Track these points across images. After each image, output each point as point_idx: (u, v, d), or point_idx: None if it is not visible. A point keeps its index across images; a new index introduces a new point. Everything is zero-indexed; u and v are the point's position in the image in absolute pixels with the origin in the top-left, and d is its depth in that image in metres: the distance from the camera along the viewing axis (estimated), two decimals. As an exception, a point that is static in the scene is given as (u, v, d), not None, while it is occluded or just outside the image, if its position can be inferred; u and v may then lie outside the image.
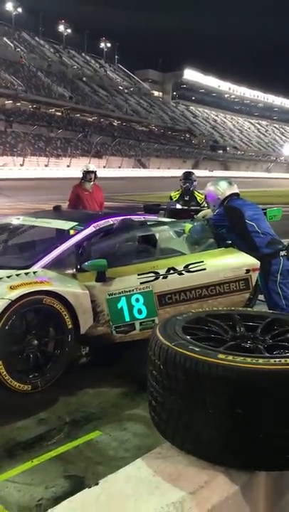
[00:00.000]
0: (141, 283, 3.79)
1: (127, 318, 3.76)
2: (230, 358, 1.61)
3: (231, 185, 4.50)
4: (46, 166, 42.68)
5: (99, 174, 7.37)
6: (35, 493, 2.44)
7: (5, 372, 3.11)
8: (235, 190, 4.47)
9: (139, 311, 3.78)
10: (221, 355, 1.62)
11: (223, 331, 1.98)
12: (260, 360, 1.61)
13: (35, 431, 3.05)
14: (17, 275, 3.47)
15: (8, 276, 3.42)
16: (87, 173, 7.09)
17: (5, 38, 66.58)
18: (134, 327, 3.78)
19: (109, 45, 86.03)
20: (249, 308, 3.58)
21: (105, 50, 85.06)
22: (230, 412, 1.58)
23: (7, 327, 3.12)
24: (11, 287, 3.24)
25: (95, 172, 7.18)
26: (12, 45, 66.88)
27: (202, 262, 4.00)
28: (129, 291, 3.75)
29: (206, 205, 6.12)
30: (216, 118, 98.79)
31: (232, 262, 4.06)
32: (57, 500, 2.31)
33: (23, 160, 41.11)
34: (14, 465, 2.69)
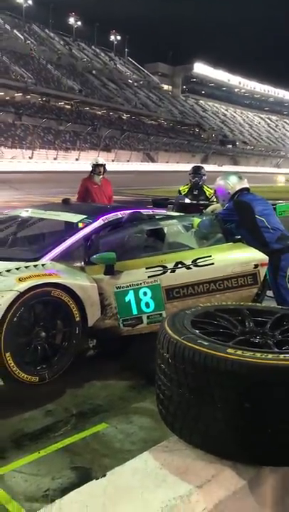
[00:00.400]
0: (149, 277, 3.79)
1: (135, 312, 3.76)
2: (239, 352, 1.61)
3: (241, 180, 4.47)
4: (55, 159, 42.71)
5: (107, 168, 7.37)
6: (41, 484, 2.46)
7: (13, 364, 3.12)
8: (245, 184, 4.44)
9: (147, 305, 3.78)
10: (230, 350, 1.62)
11: (232, 326, 1.98)
12: (270, 356, 1.60)
13: (42, 422, 3.07)
14: (26, 267, 3.47)
15: (17, 268, 3.43)
16: (97, 167, 7.10)
17: (15, 31, 66.50)
18: (141, 320, 3.78)
19: (119, 37, 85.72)
20: (258, 304, 3.56)
21: (115, 43, 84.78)
22: (239, 406, 1.57)
23: (15, 319, 3.13)
24: (19, 279, 3.25)
25: (104, 165, 7.17)
26: (22, 37, 66.77)
27: (210, 256, 3.99)
28: (137, 284, 3.75)
29: (215, 199, 6.09)
30: (225, 112, 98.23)
31: (240, 256, 4.04)
32: (63, 491, 2.32)
33: (32, 153, 41.17)
34: (21, 456, 2.70)
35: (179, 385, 1.69)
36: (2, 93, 55.60)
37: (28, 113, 50.76)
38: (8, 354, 3.09)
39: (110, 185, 7.29)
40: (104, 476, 1.52)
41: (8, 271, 3.38)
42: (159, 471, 1.54)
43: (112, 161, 43.99)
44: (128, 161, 50.69)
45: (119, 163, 46.09)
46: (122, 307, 3.73)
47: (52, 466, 2.61)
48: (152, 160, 57.75)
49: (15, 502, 2.32)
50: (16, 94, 56.76)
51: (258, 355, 1.60)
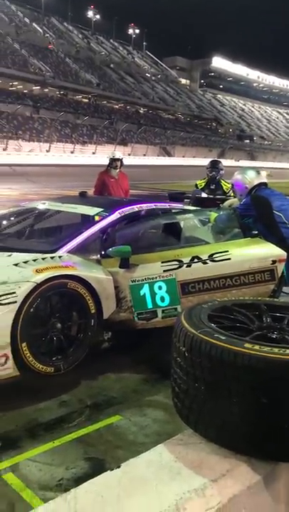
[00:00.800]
0: (164, 271, 3.78)
1: (150, 306, 3.76)
2: (256, 347, 1.59)
3: (259, 175, 4.44)
4: (72, 152, 42.80)
5: (124, 162, 7.38)
6: (55, 473, 2.48)
7: (29, 354, 3.14)
8: (263, 179, 4.41)
9: (162, 299, 3.77)
10: (247, 345, 1.61)
11: (249, 321, 1.96)
12: (287, 351, 1.59)
13: (56, 413, 3.10)
14: (43, 259, 3.49)
15: (34, 260, 3.45)
16: (114, 161, 7.12)
17: (34, 24, 66.59)
18: (156, 314, 3.78)
19: (137, 31, 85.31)
20: (276, 299, 3.53)
21: (133, 36, 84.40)
22: (255, 401, 1.56)
23: (32, 309, 3.16)
24: (36, 270, 3.27)
25: (121, 159, 7.19)
26: (41, 30, 66.87)
27: (227, 251, 3.96)
28: (152, 278, 3.75)
29: (232, 194, 6.05)
30: (243, 107, 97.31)
31: (258, 252, 4.01)
32: (77, 480, 2.34)
33: (50, 146, 41.28)
34: (36, 445, 2.73)
35: (195, 378, 1.68)
36: (20, 86, 55.86)
37: (45, 106, 50.90)
38: (24, 344, 3.11)
39: (127, 179, 7.30)
40: (119, 467, 1.53)
41: (25, 262, 3.40)
42: (174, 463, 1.54)
43: (129, 155, 43.89)
44: (144, 155, 50.57)
45: (136, 157, 45.98)
46: (137, 300, 3.73)
47: (66, 456, 2.63)
48: (169, 154, 57.53)
49: (29, 490, 2.35)
50: (34, 88, 56.95)
51: (276, 350, 1.59)
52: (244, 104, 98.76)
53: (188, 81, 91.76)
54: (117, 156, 7.22)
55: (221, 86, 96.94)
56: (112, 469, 1.53)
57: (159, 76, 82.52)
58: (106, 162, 7.26)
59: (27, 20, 66.30)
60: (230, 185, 6.07)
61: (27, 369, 3.18)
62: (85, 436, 2.84)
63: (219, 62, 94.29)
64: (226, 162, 7.96)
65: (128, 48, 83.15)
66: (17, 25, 63.56)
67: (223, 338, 1.66)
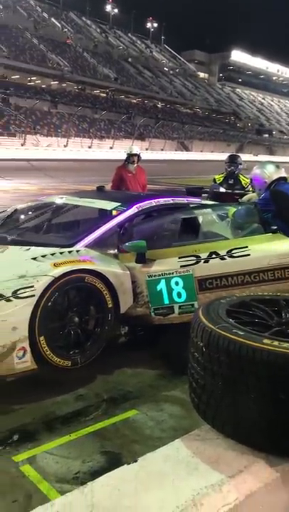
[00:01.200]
0: (181, 266, 3.76)
1: (166, 301, 3.74)
2: (275, 343, 1.58)
3: (279, 169, 4.38)
4: (89, 147, 42.88)
5: (141, 157, 7.36)
6: (72, 466, 2.50)
7: (46, 348, 3.16)
8: (282, 174, 4.35)
9: (179, 295, 3.75)
10: (266, 340, 1.59)
11: (268, 316, 1.94)
12: (307, 347, 1.57)
13: (73, 406, 3.12)
14: (60, 253, 3.51)
15: (52, 254, 3.46)
16: (131, 156, 7.11)
17: (53, 19, 66.74)
18: (172, 310, 3.76)
19: (156, 25, 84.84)
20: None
21: (152, 30, 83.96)
22: (273, 397, 1.55)
23: (50, 303, 3.17)
24: (54, 264, 3.29)
25: (138, 155, 7.18)
26: (59, 25, 66.98)
27: (246, 247, 3.92)
28: (169, 273, 3.73)
29: (250, 189, 5.99)
30: (262, 101, 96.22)
31: (278, 248, 3.95)
32: (93, 474, 2.35)
33: (67, 141, 41.40)
34: (53, 438, 2.76)
35: (212, 374, 1.67)
36: (39, 81, 56.14)
37: (63, 101, 51.03)
38: (42, 338, 3.14)
39: (145, 174, 7.28)
40: (136, 461, 1.53)
41: (43, 256, 3.42)
42: (191, 459, 1.54)
43: (146, 149, 43.80)
44: (162, 149, 50.42)
45: (153, 151, 45.88)
46: (154, 296, 3.72)
47: (82, 449, 2.65)
48: (186, 149, 57.25)
49: (46, 482, 2.37)
50: (52, 83, 57.18)
51: (295, 346, 1.57)
52: (263, 98, 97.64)
53: (206, 75, 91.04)
54: (134, 151, 7.21)
55: (240, 80, 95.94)
56: (128, 463, 1.53)
57: (177, 70, 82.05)
58: (123, 157, 7.25)
59: (45, 15, 66.48)
60: (248, 180, 6.01)
61: (44, 362, 3.20)
62: (101, 430, 2.85)
63: (238, 56, 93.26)
64: (244, 156, 7.88)
65: (146, 42, 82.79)
66: (35, 20, 63.77)
67: (242, 333, 1.65)
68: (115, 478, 1.45)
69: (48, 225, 4.70)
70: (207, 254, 3.83)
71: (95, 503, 1.34)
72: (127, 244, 3.75)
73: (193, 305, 3.73)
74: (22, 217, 4.83)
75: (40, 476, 2.41)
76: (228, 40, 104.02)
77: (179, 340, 3.78)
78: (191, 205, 4.78)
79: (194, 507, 1.32)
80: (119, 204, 4.28)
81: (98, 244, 3.83)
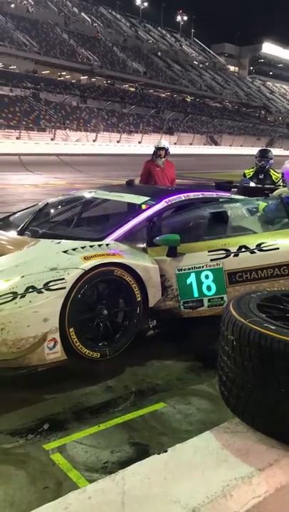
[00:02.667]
0: (211, 260, 3.75)
1: (196, 294, 3.75)
2: (307, 338, 1.56)
3: (311, 164, 4.31)
4: (118, 142, 42.99)
5: (169, 150, 7.33)
6: (101, 456, 2.53)
7: (76, 339, 3.21)
8: (314, 168, 4.28)
9: (208, 288, 3.75)
10: (297, 335, 1.58)
11: (300, 311, 1.93)
12: None
13: (102, 397, 3.16)
14: (91, 246, 3.55)
15: (83, 247, 3.51)
16: (158, 149, 7.11)
17: (83, 13, 67.04)
18: (202, 303, 3.77)
19: (185, 18, 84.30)
20: None
21: (181, 23, 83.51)
22: (305, 392, 1.54)
23: (79, 296, 3.22)
24: (84, 258, 3.33)
25: (166, 148, 7.16)
26: (89, 20, 67.23)
27: (275, 241, 3.89)
28: (199, 267, 3.73)
29: (281, 183, 5.91)
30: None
31: None
32: (122, 464, 2.38)
33: (96, 136, 41.60)
34: (82, 428, 2.80)
35: (243, 367, 1.67)
36: (68, 76, 56.59)
37: (93, 96, 51.29)
38: (71, 329, 3.19)
39: (173, 168, 7.27)
40: (166, 451, 1.55)
41: (74, 249, 3.47)
42: (221, 451, 1.55)
43: (175, 144, 43.60)
44: (191, 144, 50.11)
45: (182, 146, 45.64)
46: (184, 289, 3.73)
47: (111, 439, 2.68)
48: (215, 143, 56.72)
49: (76, 471, 2.41)
50: (81, 77, 57.50)
51: None
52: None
53: (236, 68, 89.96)
54: (162, 145, 7.19)
55: (271, 73, 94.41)
56: (159, 453, 1.55)
57: (206, 63, 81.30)
58: (152, 151, 7.24)
59: (76, 10, 66.83)
60: (279, 175, 5.93)
61: (74, 354, 3.25)
62: (129, 421, 2.88)
63: (269, 48, 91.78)
64: (274, 151, 7.76)
65: (176, 36, 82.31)
66: (66, 15, 64.17)
67: (273, 327, 1.64)
68: (146, 467, 1.48)
69: (79, 219, 4.75)
70: (237, 248, 3.82)
71: (126, 490, 1.36)
72: (158, 238, 3.77)
73: (222, 298, 3.73)
74: (53, 211, 4.90)
75: (70, 465, 2.46)
76: (258, 32, 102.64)
77: (208, 333, 3.79)
78: (221, 200, 4.75)
79: (224, 498, 1.33)
80: (149, 198, 4.29)
81: (127, 238, 3.86)
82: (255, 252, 3.81)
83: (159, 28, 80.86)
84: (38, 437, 2.71)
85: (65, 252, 3.46)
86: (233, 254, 3.78)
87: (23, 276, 3.19)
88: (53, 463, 2.49)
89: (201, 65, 79.29)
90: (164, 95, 64.77)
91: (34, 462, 2.49)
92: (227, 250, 3.79)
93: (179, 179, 8.34)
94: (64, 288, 3.14)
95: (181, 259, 3.75)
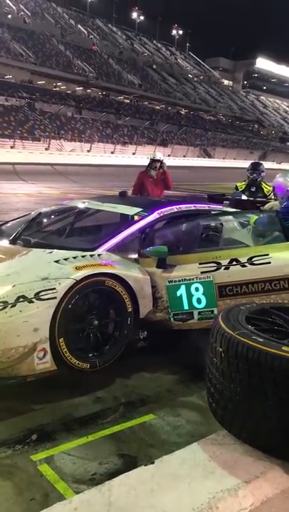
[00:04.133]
0: (201, 272, 3.77)
1: (186, 307, 3.76)
2: (294, 350, 1.58)
3: (302, 178, 4.36)
4: (112, 152, 43.13)
5: (165, 163, 7.40)
6: (89, 467, 2.52)
7: (66, 349, 3.20)
8: (305, 182, 4.33)
9: (198, 301, 3.76)
10: (285, 348, 1.60)
11: (288, 324, 1.94)
12: None
13: (91, 408, 3.14)
14: (82, 256, 3.55)
15: (75, 257, 3.51)
16: (154, 162, 7.19)
17: (79, 26, 67.59)
18: (192, 316, 3.77)
19: (181, 32, 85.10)
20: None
21: (177, 37, 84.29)
22: (291, 405, 1.55)
23: (70, 306, 3.22)
24: (76, 267, 3.34)
25: (161, 161, 7.24)
26: (86, 32, 67.77)
27: (267, 255, 3.90)
28: (189, 279, 3.74)
29: (273, 197, 5.96)
30: (287, 109, 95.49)
31: None
32: (110, 476, 2.37)
33: (91, 146, 41.72)
34: (71, 439, 2.79)
35: (230, 379, 1.68)
36: (64, 87, 56.80)
37: (88, 107, 51.52)
38: (61, 340, 3.18)
39: (169, 178, 7.32)
40: (153, 463, 1.55)
41: (65, 259, 3.47)
42: (208, 462, 1.55)
43: (169, 156, 43.79)
44: (184, 156, 50.40)
45: (176, 158, 45.89)
46: (173, 301, 3.74)
47: (99, 451, 2.67)
48: (209, 156, 57.10)
49: (63, 482, 2.39)
50: (77, 88, 57.78)
51: (314, 354, 1.57)
52: (288, 106, 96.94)
53: (230, 82, 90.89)
54: (157, 157, 7.27)
55: (265, 87, 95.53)
56: (146, 465, 1.55)
57: (201, 77, 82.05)
58: (146, 163, 7.31)
59: (72, 22, 67.36)
60: (271, 188, 5.99)
61: (64, 364, 3.24)
62: (118, 432, 2.87)
63: (263, 63, 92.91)
64: (267, 164, 7.84)
65: (171, 49, 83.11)
66: (62, 27, 64.63)
67: (261, 340, 1.66)
68: (132, 478, 1.48)
69: (71, 229, 4.77)
70: (228, 261, 3.83)
71: (112, 501, 1.36)
72: (148, 249, 3.78)
73: (212, 311, 3.74)
74: (45, 220, 4.91)
75: (58, 476, 2.45)
76: (252, 47, 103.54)
77: (196, 345, 3.79)
78: (213, 212, 4.78)
79: (210, 510, 1.34)
80: (141, 209, 4.32)
81: (119, 249, 3.87)
82: (246, 266, 3.83)
83: (154, 42, 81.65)
84: (26, 448, 2.70)
85: (56, 261, 3.46)
86: (223, 267, 3.80)
87: (14, 286, 3.19)
88: (41, 474, 2.47)
89: (195, 79, 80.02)
90: (158, 107, 65.25)
91: (21, 473, 2.47)
92: (218, 263, 3.81)
93: (172, 191, 8.39)
94: (55, 298, 3.14)
95: (171, 270, 3.76)
